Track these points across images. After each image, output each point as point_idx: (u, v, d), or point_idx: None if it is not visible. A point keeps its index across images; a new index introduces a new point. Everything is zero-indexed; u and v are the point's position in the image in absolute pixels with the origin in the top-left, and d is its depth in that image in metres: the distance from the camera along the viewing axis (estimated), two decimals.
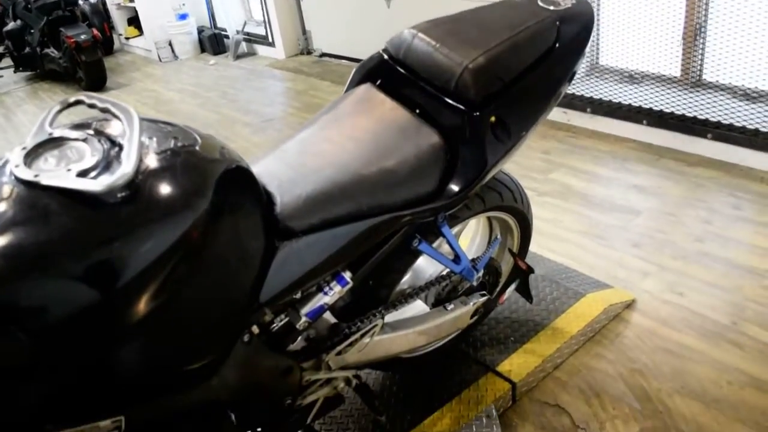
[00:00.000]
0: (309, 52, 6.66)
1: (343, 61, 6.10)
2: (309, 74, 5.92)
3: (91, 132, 1.08)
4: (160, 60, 7.67)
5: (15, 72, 7.67)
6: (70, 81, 7.07)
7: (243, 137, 4.60)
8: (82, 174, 0.99)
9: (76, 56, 6.40)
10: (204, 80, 6.46)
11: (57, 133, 1.06)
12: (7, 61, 7.68)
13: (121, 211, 0.99)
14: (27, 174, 0.97)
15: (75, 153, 1.04)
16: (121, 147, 1.05)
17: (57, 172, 0.98)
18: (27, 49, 7.40)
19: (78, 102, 1.12)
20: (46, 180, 0.97)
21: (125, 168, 0.98)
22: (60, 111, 1.11)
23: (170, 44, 7.63)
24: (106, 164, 1.02)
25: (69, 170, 0.99)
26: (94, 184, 0.96)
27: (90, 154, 1.03)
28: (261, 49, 7.09)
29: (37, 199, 0.96)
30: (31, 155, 1.02)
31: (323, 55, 6.44)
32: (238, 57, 7.11)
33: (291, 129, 4.61)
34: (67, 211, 0.96)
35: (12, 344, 0.91)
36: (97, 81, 6.63)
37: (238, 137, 4.59)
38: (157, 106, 5.75)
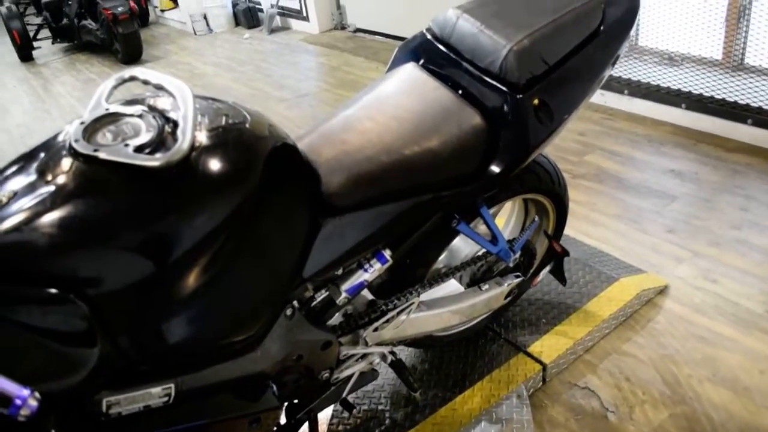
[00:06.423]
0: (343, 27, 6.64)
1: (377, 36, 6.02)
2: (343, 50, 5.90)
3: (146, 108, 1.11)
4: (195, 33, 7.71)
5: (53, 43, 7.78)
6: (107, 53, 7.15)
7: (277, 112, 4.62)
8: (139, 149, 1.02)
9: (112, 28, 6.46)
10: (238, 54, 6.48)
11: (113, 109, 1.09)
12: (45, 33, 7.78)
13: (176, 185, 1.03)
14: (86, 148, 1.01)
15: (131, 128, 1.07)
16: (174, 123, 1.08)
17: (115, 147, 1.02)
18: (64, 21, 7.50)
19: (132, 78, 1.15)
20: (104, 155, 1.00)
21: (181, 144, 1.01)
22: (115, 87, 1.14)
23: (205, 17, 7.66)
24: (161, 140, 1.05)
25: (126, 145, 1.02)
26: (151, 160, 1.00)
27: (145, 129, 1.06)
28: (295, 24, 7.09)
29: (96, 172, 1.00)
30: (89, 130, 1.05)
31: (357, 30, 6.40)
32: (272, 31, 7.12)
33: (325, 105, 4.63)
34: (124, 185, 1.00)
35: (71, 311, 0.96)
36: (133, 53, 6.69)
37: (273, 112, 4.61)
38: (192, 80, 5.79)
